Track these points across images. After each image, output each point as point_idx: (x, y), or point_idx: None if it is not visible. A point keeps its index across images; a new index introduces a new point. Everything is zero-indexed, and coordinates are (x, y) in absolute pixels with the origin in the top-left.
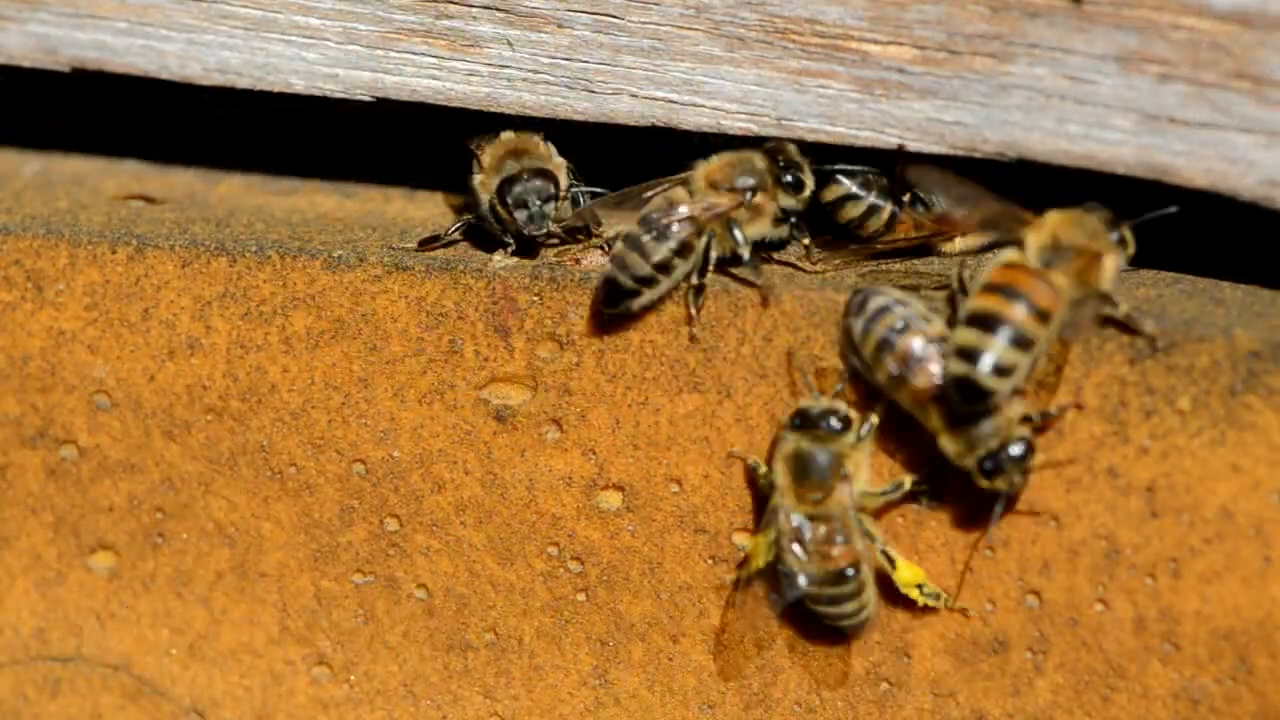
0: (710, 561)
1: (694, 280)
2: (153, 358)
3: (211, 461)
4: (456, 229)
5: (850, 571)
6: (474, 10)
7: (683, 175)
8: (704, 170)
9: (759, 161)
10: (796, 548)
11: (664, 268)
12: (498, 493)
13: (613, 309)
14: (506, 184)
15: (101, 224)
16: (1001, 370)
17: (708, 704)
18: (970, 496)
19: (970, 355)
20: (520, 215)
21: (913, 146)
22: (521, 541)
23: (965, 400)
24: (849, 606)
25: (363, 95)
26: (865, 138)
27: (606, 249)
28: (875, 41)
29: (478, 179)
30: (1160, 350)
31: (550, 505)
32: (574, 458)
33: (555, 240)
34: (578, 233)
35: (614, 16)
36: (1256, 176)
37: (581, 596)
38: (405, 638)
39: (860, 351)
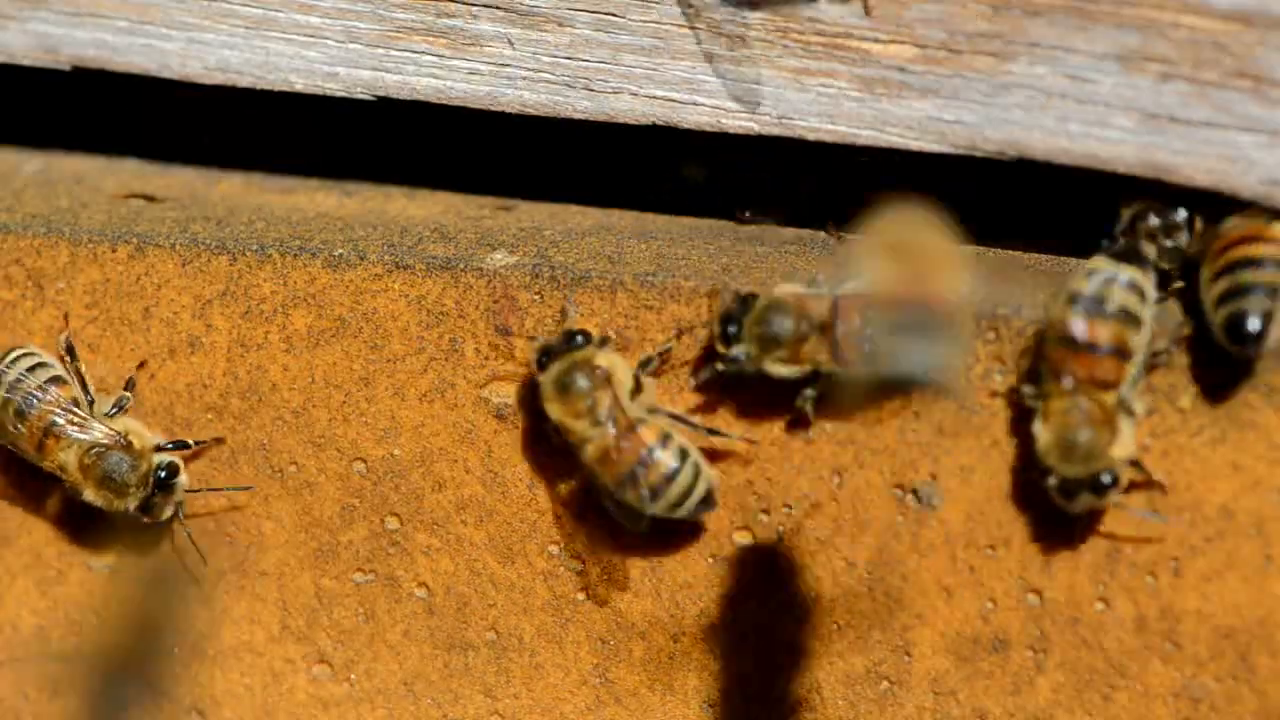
0: (710, 560)
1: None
2: (153, 356)
3: (212, 460)
4: None
5: None
6: (474, 9)
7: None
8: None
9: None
10: None
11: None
12: (498, 491)
13: None
14: None
15: (102, 222)
16: None
17: (709, 703)
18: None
19: None
20: None
21: (914, 146)
22: (522, 540)
23: None
24: None
25: (363, 94)
26: (866, 137)
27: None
28: (876, 40)
29: None
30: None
31: (551, 504)
32: (574, 456)
33: None
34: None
35: (615, 15)
36: (1257, 175)
37: (582, 595)
38: (406, 636)
39: None
